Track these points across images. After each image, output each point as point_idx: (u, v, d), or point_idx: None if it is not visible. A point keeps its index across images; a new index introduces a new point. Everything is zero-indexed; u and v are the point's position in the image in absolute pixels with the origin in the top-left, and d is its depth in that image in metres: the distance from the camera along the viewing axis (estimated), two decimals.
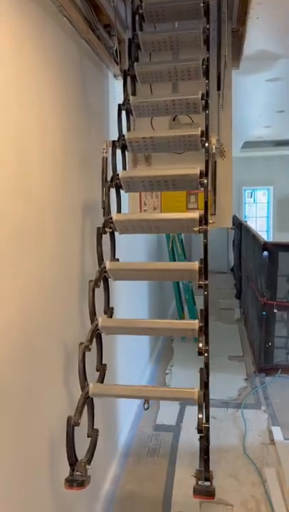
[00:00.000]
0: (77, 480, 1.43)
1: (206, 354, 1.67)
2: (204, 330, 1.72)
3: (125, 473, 2.61)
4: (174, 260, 5.01)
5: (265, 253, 3.85)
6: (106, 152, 1.96)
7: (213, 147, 1.95)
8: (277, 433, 2.97)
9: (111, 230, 1.92)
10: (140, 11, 2.30)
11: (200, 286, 1.75)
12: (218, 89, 2.38)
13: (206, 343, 1.70)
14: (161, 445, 2.93)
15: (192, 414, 3.27)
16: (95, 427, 1.63)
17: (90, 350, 1.66)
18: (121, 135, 2.11)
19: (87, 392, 1.63)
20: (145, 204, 2.58)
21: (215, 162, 1.94)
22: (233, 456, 2.77)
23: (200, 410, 1.57)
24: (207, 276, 1.75)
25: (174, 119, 2.49)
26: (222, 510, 2.28)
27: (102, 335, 1.81)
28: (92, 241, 1.93)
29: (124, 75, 2.27)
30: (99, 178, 1.96)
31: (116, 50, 2.38)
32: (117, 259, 1.96)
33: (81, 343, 1.66)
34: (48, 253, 1.64)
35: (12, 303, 1.35)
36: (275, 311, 3.88)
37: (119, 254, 2.01)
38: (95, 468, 2.22)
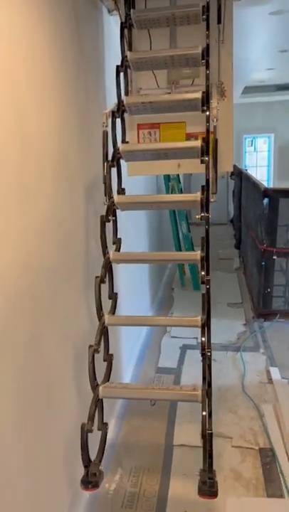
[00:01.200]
0: (92, 482, 1.51)
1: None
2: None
3: (128, 412, 2.73)
4: (174, 210, 4.98)
5: (266, 200, 3.82)
6: (106, 126, 1.93)
7: (215, 120, 1.92)
8: (275, 373, 3.09)
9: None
10: None
11: (202, 282, 1.76)
12: (219, 22, 2.25)
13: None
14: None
15: (192, 356, 3.39)
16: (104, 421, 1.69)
17: (98, 352, 1.68)
18: (120, 100, 2.09)
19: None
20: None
21: (216, 140, 1.92)
22: (232, 395, 2.89)
23: (203, 408, 1.57)
24: (209, 271, 1.76)
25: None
26: (222, 443, 2.41)
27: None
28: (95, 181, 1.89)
29: (121, 27, 2.17)
30: (96, 127, 1.90)
31: None
32: (123, 190, 2.03)
33: (90, 346, 1.66)
34: (46, 198, 1.62)
35: (11, 246, 1.35)
36: (275, 257, 3.91)
37: None
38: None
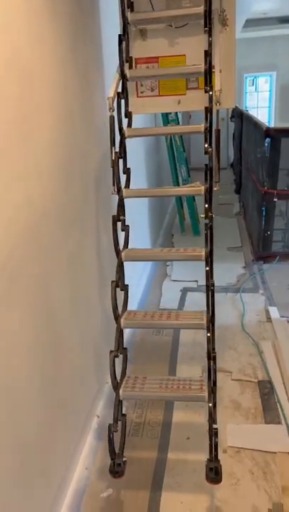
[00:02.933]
0: (118, 471, 1.74)
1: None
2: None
3: (134, 351, 2.82)
4: (173, 154, 4.87)
5: (268, 140, 3.72)
6: (112, 110, 1.90)
7: (219, 104, 1.88)
8: (274, 312, 3.17)
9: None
10: None
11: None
12: None
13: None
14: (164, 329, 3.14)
15: (193, 299, 3.47)
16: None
17: (118, 356, 1.83)
18: (123, 72, 2.06)
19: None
20: (142, 85, 2.41)
21: (219, 130, 1.89)
22: (232, 333, 2.98)
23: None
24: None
25: None
26: (222, 377, 2.52)
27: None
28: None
29: None
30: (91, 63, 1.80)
31: None
32: (129, 170, 2.10)
33: (111, 351, 1.80)
34: (47, 133, 1.57)
35: (18, 189, 1.33)
36: (275, 200, 3.88)
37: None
38: (104, 351, 2.41)
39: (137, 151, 3.42)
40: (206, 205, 1.86)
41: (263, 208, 3.95)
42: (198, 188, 1.96)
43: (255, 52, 7.97)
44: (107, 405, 2.29)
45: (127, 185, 2.11)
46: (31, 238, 1.44)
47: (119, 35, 2.07)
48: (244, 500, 1.77)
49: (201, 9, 2.03)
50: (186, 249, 1.98)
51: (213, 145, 1.86)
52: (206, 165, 1.88)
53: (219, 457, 1.71)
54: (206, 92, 1.95)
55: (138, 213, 3.43)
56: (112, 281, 1.88)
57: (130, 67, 2.24)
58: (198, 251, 1.93)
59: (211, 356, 1.80)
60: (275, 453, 1.97)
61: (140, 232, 3.81)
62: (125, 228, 2.05)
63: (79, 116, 1.98)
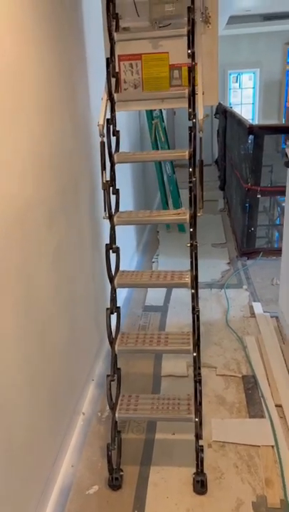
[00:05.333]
0: (116, 485, 1.87)
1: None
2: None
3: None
4: (158, 149, 4.87)
5: (251, 137, 3.75)
6: (103, 136, 1.99)
7: (202, 132, 1.93)
8: (258, 307, 3.21)
9: None
10: None
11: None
12: None
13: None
14: (151, 322, 3.16)
15: (178, 294, 3.49)
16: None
17: (114, 380, 1.95)
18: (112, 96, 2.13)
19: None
20: (125, 82, 2.41)
21: (202, 161, 1.95)
22: (216, 328, 3.02)
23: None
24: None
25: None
26: (207, 372, 2.55)
27: None
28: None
29: None
30: (76, 62, 1.79)
31: None
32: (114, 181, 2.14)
33: (107, 376, 1.92)
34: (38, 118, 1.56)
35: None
36: (259, 196, 3.92)
37: None
38: (90, 346, 2.42)
39: (122, 145, 3.42)
40: (191, 230, 1.94)
41: (247, 205, 3.99)
42: (183, 215, 2.03)
43: (239, 49, 8.01)
44: (92, 401, 2.30)
45: (117, 208, 2.15)
46: (15, 229, 1.44)
47: (107, 59, 2.08)
48: (228, 493, 1.80)
49: (184, 23, 2.06)
50: (173, 276, 2.05)
51: (197, 174, 1.94)
52: (191, 189, 1.95)
53: (204, 451, 1.75)
54: (189, 118, 1.99)
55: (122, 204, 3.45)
56: (107, 309, 1.97)
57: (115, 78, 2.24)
58: (184, 277, 2.01)
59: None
60: (259, 446, 2.00)
61: (126, 229, 3.81)
62: (116, 250, 2.09)
63: (62, 113, 1.97)
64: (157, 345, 2.00)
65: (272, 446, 1.99)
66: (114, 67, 2.18)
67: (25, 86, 1.55)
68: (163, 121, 4.87)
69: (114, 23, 2.16)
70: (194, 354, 1.95)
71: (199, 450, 1.84)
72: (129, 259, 3.83)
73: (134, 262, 4.11)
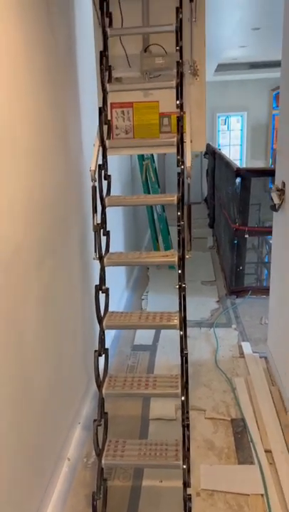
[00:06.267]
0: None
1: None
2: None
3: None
4: (148, 189, 4.99)
5: (238, 179, 3.87)
6: (95, 181, 2.07)
7: (190, 179, 2.02)
8: (247, 347, 3.21)
9: None
10: None
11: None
12: (191, 0, 2.23)
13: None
14: (139, 362, 3.13)
15: (167, 333, 3.47)
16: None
17: (101, 425, 1.91)
18: (104, 142, 2.20)
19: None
20: (117, 128, 2.50)
21: (190, 206, 2.03)
22: (206, 369, 2.99)
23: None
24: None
25: (145, 50, 2.37)
26: (196, 415, 2.51)
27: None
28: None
29: (101, 1, 2.19)
30: (69, 107, 1.86)
31: None
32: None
33: (94, 420, 1.87)
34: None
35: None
36: (246, 236, 4.00)
37: None
38: (77, 387, 2.39)
39: (113, 185, 3.51)
40: (179, 272, 1.98)
41: (235, 244, 4.06)
42: (171, 257, 2.09)
43: (227, 94, 8.38)
44: (77, 446, 2.24)
45: (107, 249, 2.20)
46: (3, 273, 1.45)
47: (100, 108, 2.17)
48: None
49: (173, 75, 2.16)
50: (161, 317, 2.07)
51: (185, 218, 2.00)
52: (179, 232, 2.00)
53: (193, 500, 1.70)
54: (177, 165, 2.07)
55: (115, 244, 3.49)
56: (95, 351, 1.96)
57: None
58: (173, 318, 2.04)
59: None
60: (248, 495, 1.96)
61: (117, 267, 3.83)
62: (105, 291, 2.10)
63: (55, 157, 2.03)
64: (145, 389, 1.98)
65: (262, 495, 1.95)
66: (106, 116, 2.27)
67: (19, 131, 1.60)
68: (154, 162, 5.02)
69: (106, 74, 2.27)
70: (182, 398, 1.93)
71: (187, 499, 1.79)
72: (119, 296, 3.84)
73: (124, 298, 4.11)
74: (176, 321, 2.01)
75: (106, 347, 2.09)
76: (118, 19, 2.34)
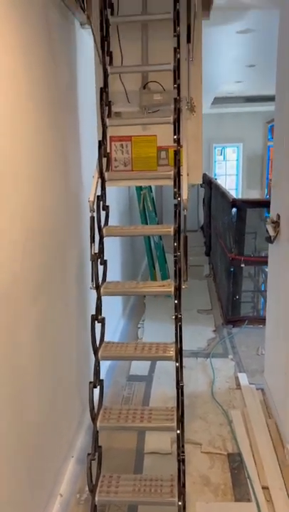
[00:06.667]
0: None
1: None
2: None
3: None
4: (145, 217, 5.05)
5: (234, 210, 3.93)
6: (93, 211, 2.10)
7: (186, 211, 2.05)
8: (243, 378, 3.18)
9: None
10: None
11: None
12: (188, 41, 2.33)
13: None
14: (135, 393, 3.09)
15: (163, 364, 3.43)
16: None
17: (95, 459, 1.90)
18: (102, 174, 2.25)
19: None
20: (116, 160, 2.56)
21: (186, 237, 2.07)
22: (202, 401, 2.95)
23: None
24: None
25: (144, 87, 2.46)
26: (191, 449, 2.46)
27: None
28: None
29: (102, 41, 2.28)
30: (69, 140, 1.93)
31: None
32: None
33: (88, 454, 1.88)
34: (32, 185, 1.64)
35: None
36: (243, 265, 4.02)
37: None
38: (71, 419, 2.35)
39: (111, 213, 3.55)
40: (176, 302, 1.99)
41: (231, 273, 4.08)
42: (168, 287, 2.11)
43: (223, 126, 8.60)
44: (70, 480, 2.18)
45: (104, 278, 2.21)
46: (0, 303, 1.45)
47: (99, 141, 2.24)
48: None
49: (171, 110, 2.24)
50: (157, 348, 2.07)
51: (182, 249, 2.03)
52: (176, 262, 2.02)
53: None
54: (174, 197, 2.12)
55: (111, 273, 3.51)
56: (90, 382, 1.96)
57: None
58: (169, 350, 2.03)
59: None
60: None
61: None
62: (102, 321, 2.11)
63: (55, 188, 2.07)
64: (140, 422, 1.95)
65: None
66: (105, 149, 2.33)
67: (21, 163, 1.64)
68: (151, 191, 5.10)
69: (106, 110, 2.34)
70: (178, 431, 1.90)
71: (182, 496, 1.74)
72: (115, 324, 3.82)
73: (120, 326, 4.09)
74: (172, 353, 2.00)
75: (101, 378, 2.07)
76: (118, 56, 2.44)
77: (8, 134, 1.53)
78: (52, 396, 2.01)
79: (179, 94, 2.27)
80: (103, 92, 2.29)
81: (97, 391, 2.04)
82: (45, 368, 1.92)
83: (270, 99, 6.86)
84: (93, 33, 2.31)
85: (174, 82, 2.23)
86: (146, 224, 5.07)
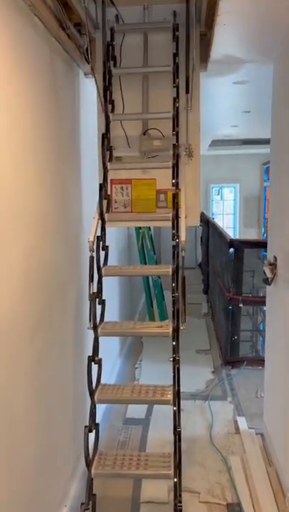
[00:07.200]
0: None
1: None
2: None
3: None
4: (144, 255, 5.09)
5: (232, 250, 3.98)
6: (93, 251, 2.14)
7: (184, 252, 2.09)
8: (242, 423, 3.11)
9: None
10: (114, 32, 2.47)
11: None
12: (187, 92, 2.45)
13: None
14: (131, 437, 3.00)
15: (160, 407, 3.35)
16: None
17: (88, 509, 1.88)
18: (102, 215, 2.30)
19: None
20: (116, 202, 2.62)
21: (184, 278, 2.09)
22: (200, 446, 2.87)
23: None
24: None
25: (144, 133, 2.57)
26: (188, 498, 2.37)
27: None
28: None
29: (105, 90, 2.40)
30: (71, 183, 1.99)
31: (86, 48, 2.40)
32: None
33: (82, 504, 1.84)
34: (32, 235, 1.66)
35: None
36: (241, 305, 4.02)
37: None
38: (65, 465, 2.27)
39: (110, 251, 3.59)
40: (174, 343, 1.99)
41: (230, 313, 4.08)
42: (166, 328, 2.11)
43: (221, 167, 8.83)
44: None
45: (102, 318, 2.21)
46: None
47: (100, 184, 2.31)
48: None
49: (170, 156, 2.33)
50: (155, 391, 2.05)
51: (180, 290, 2.06)
52: (174, 303, 2.04)
53: None
54: (173, 239, 2.18)
55: (108, 313, 3.50)
56: (86, 427, 1.93)
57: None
58: (166, 393, 2.01)
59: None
60: None
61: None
62: (98, 362, 2.10)
63: (55, 229, 2.10)
64: (136, 469, 1.90)
65: None
66: (106, 191, 2.39)
67: (24, 206, 1.68)
68: (150, 230, 5.17)
69: (108, 154, 2.42)
70: (175, 480, 1.85)
71: None
72: (112, 364, 3.77)
73: (117, 366, 4.03)
74: (169, 396, 1.97)
75: (97, 421, 2.02)
76: (120, 104, 2.55)
77: (11, 176, 1.58)
78: (46, 441, 1.96)
79: (177, 140, 2.36)
80: (105, 137, 2.38)
81: (92, 435, 1.99)
82: (40, 411, 1.88)
83: (265, 142, 7.09)
84: (96, 83, 2.42)
85: (173, 130, 2.33)
86: (145, 262, 5.11)
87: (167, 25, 2.44)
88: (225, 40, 2.26)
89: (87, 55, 2.43)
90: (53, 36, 2.06)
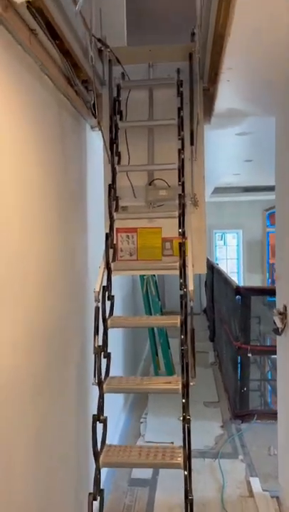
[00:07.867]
0: None
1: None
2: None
3: None
4: (148, 301, 5.01)
5: (238, 297, 3.91)
6: (98, 301, 2.09)
7: (192, 302, 2.05)
8: (256, 484, 2.91)
9: None
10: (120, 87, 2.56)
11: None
12: (192, 144, 2.49)
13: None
14: (137, 500, 2.80)
15: None
16: None
17: (99, 419, 1.86)
18: (109, 265, 2.27)
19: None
20: (122, 250, 2.60)
21: (193, 330, 2.05)
22: (211, 511, 2.66)
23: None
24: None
25: (150, 184, 2.60)
26: None
27: None
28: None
29: (111, 143, 2.45)
30: (77, 233, 1.98)
31: (93, 104, 2.48)
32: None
33: (90, 494, 1.80)
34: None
35: None
36: (250, 355, 3.90)
37: None
38: None
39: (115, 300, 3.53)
40: (183, 401, 1.88)
41: (238, 364, 3.94)
42: (174, 384, 2.02)
43: (223, 213, 8.93)
44: None
45: (107, 373, 2.12)
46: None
47: (107, 234, 2.31)
48: None
49: (175, 205, 2.34)
50: (164, 454, 1.92)
51: (189, 342, 1.99)
52: (183, 358, 1.96)
53: None
54: (180, 288, 2.12)
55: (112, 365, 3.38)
56: (90, 494, 1.82)
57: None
58: (176, 456, 1.87)
59: None
60: None
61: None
62: (104, 421, 1.98)
63: (60, 280, 2.06)
64: None
65: None
66: (112, 240, 2.38)
67: (29, 260, 1.65)
68: (154, 276, 5.13)
69: (114, 204, 2.43)
70: None
71: None
72: (116, 419, 3.59)
73: (122, 421, 3.85)
74: (179, 459, 1.84)
75: (101, 487, 1.88)
76: (126, 155, 2.59)
77: (17, 228, 1.56)
78: (45, 507, 1.81)
79: (183, 190, 2.37)
80: (111, 188, 2.39)
81: (96, 502, 1.84)
82: (40, 473, 1.74)
83: (266, 189, 7.21)
84: (103, 136, 2.47)
85: (179, 180, 2.34)
86: (150, 308, 5.02)
87: (171, 81, 2.53)
88: (228, 96, 2.32)
89: (94, 110, 2.50)
90: (62, 93, 2.13)
